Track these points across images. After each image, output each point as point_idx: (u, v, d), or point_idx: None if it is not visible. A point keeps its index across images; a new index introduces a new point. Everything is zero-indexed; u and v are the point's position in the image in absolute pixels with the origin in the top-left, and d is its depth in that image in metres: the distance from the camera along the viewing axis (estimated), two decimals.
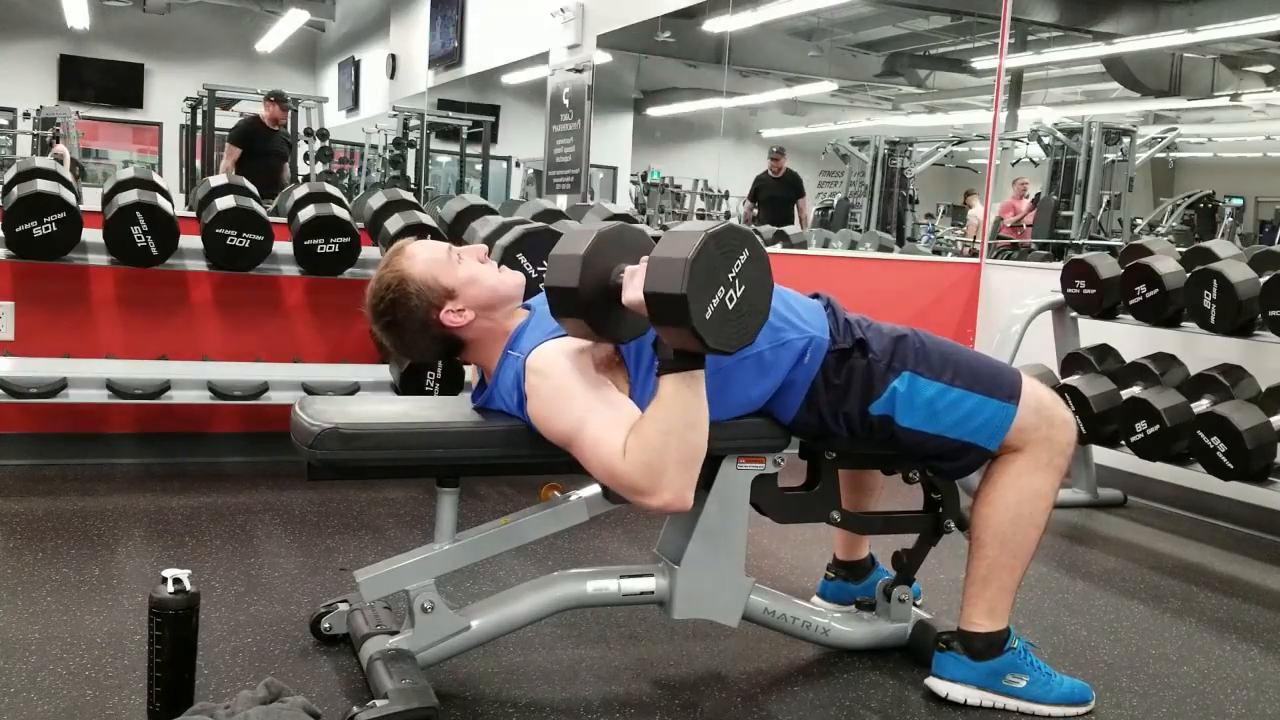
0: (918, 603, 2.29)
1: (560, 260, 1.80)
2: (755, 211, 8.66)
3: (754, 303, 1.71)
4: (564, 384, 1.80)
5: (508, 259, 2.15)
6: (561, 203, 5.63)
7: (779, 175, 8.47)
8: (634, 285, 1.72)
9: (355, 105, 12.09)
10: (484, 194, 9.17)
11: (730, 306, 1.67)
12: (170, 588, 1.78)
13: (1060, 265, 3.81)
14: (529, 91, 7.96)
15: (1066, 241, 8.08)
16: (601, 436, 1.76)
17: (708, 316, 1.64)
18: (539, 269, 2.18)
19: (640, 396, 1.86)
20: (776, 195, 8.44)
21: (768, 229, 7.36)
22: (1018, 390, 2.01)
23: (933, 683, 2.07)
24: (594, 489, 2.02)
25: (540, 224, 2.28)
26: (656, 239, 1.74)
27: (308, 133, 9.13)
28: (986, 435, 2.00)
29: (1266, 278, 2.96)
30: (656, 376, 1.76)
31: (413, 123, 9.94)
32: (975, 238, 9.97)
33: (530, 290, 2.05)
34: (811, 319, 2.00)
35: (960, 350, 2.07)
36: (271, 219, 3.37)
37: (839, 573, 2.42)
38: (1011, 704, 2.02)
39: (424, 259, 1.92)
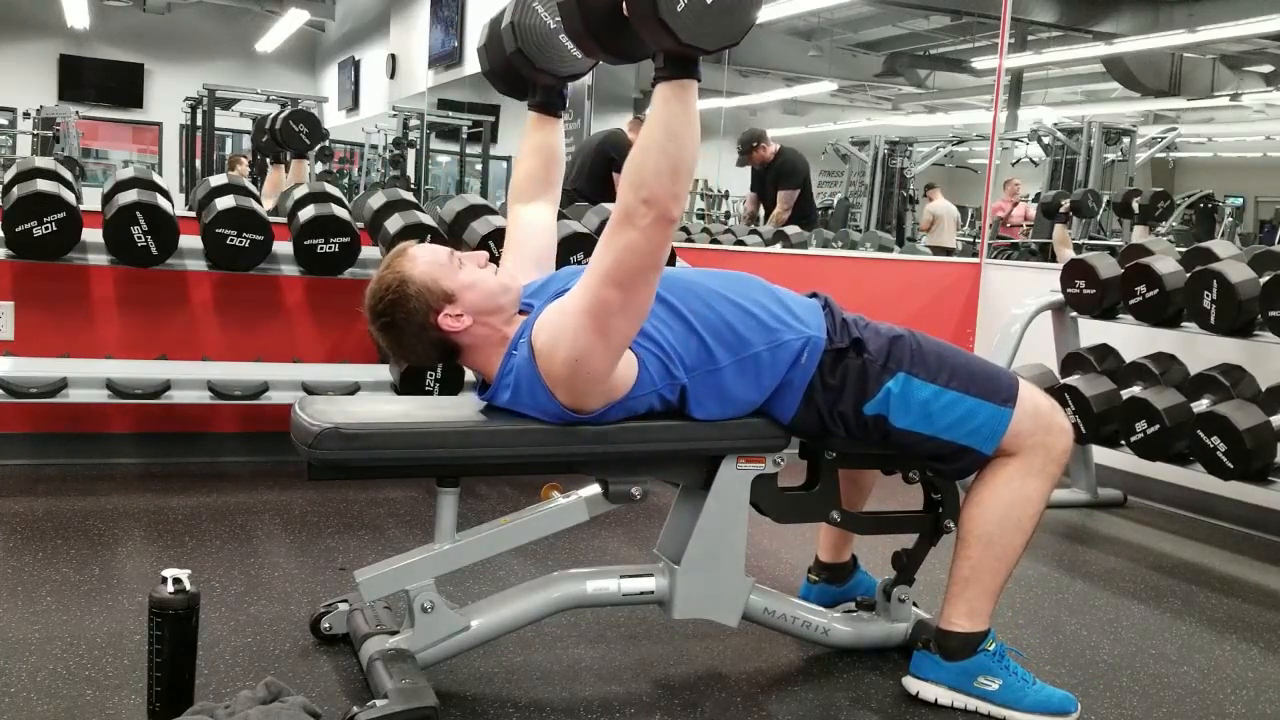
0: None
1: None
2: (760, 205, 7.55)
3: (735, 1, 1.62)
4: (559, 317, 1.80)
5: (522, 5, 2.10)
6: None
7: (764, 167, 6.98)
8: None
9: (355, 105, 12.08)
10: (484, 194, 9.15)
11: (708, 1, 1.59)
12: (170, 588, 1.78)
13: (1060, 265, 3.81)
14: None
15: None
16: (599, 254, 1.73)
17: (679, 8, 1.57)
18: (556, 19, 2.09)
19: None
20: (763, 188, 7.11)
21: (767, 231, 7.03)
22: (1014, 395, 2.01)
23: (907, 681, 2.08)
24: (594, 489, 2.02)
25: None
26: None
27: None
28: (982, 438, 2.00)
29: (1266, 278, 2.96)
30: (652, 87, 1.69)
31: (413, 123, 9.94)
32: (923, 235, 9.95)
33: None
34: (809, 319, 2.00)
35: (958, 353, 2.06)
36: (271, 219, 3.37)
37: (822, 575, 2.41)
38: (983, 707, 2.01)
39: (425, 261, 1.91)
